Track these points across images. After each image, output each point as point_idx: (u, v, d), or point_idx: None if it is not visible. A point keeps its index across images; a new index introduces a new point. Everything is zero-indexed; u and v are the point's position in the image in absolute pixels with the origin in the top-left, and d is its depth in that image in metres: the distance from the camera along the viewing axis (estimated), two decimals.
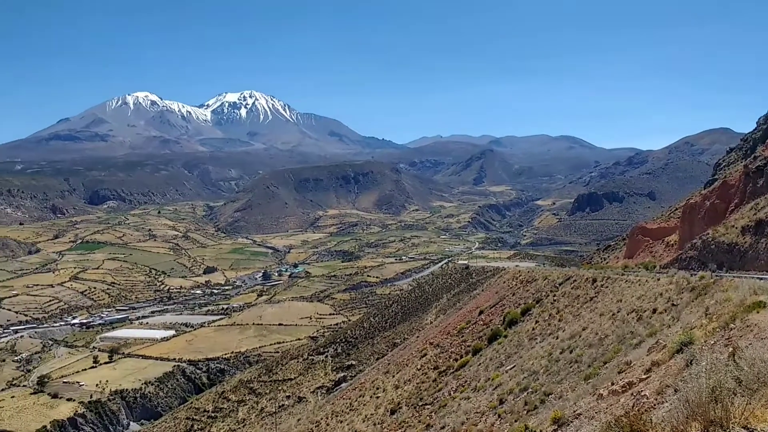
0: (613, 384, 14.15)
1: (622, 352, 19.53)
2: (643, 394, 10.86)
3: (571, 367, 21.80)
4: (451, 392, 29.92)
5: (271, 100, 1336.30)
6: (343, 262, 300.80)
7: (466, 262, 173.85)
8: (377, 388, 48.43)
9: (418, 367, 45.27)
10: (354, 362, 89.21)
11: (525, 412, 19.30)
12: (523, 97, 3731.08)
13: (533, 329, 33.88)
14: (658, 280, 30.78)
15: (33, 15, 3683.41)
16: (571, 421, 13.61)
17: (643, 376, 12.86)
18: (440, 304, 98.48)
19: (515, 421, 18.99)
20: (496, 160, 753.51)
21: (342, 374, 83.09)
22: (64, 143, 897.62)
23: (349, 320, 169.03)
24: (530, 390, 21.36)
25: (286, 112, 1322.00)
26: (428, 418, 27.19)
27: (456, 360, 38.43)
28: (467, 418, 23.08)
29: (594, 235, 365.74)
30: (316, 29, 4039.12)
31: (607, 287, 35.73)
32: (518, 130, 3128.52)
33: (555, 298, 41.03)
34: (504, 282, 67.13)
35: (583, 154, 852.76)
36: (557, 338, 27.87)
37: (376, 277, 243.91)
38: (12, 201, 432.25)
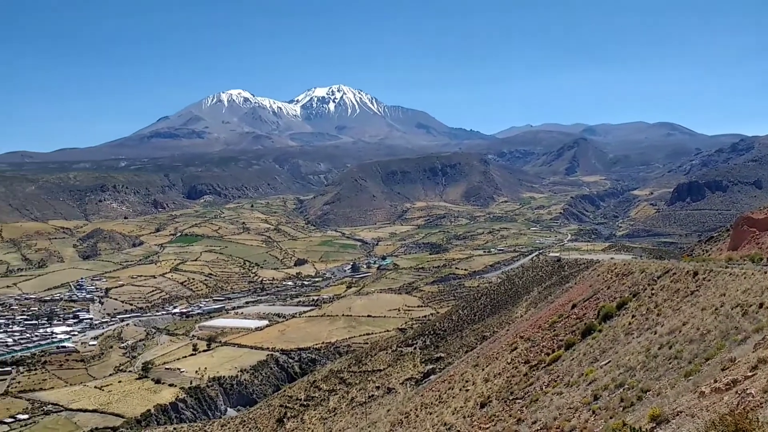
0: (715, 381, 13.50)
1: (725, 348, 18.58)
2: (748, 392, 10.31)
3: (670, 363, 20.95)
4: (543, 387, 29.37)
5: (359, 93, 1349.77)
6: (430, 254, 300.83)
7: (557, 254, 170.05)
8: (466, 381, 48.15)
9: (509, 360, 44.65)
10: (443, 354, 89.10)
11: (621, 408, 18.71)
12: (619, 83, 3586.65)
13: (629, 324, 32.75)
14: (766, 273, 29.10)
15: (135, 21, 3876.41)
16: (671, 419, 13.10)
17: (749, 374, 12.20)
18: (531, 297, 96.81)
19: (610, 417, 18.44)
20: (589, 149, 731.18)
21: (431, 366, 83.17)
22: (164, 140, 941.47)
23: (438, 312, 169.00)
24: (626, 386, 20.68)
25: (373, 105, 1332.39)
26: (519, 412, 26.81)
27: (547, 354, 37.65)
28: (560, 414, 22.61)
29: (695, 226, 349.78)
30: (402, 22, 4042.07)
31: (709, 281, 34.06)
32: (613, 118, 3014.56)
33: (653, 291, 39.47)
34: (598, 275, 65.18)
35: (683, 141, 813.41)
36: (655, 333, 26.82)
37: (465, 270, 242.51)
38: (117, 196, 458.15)
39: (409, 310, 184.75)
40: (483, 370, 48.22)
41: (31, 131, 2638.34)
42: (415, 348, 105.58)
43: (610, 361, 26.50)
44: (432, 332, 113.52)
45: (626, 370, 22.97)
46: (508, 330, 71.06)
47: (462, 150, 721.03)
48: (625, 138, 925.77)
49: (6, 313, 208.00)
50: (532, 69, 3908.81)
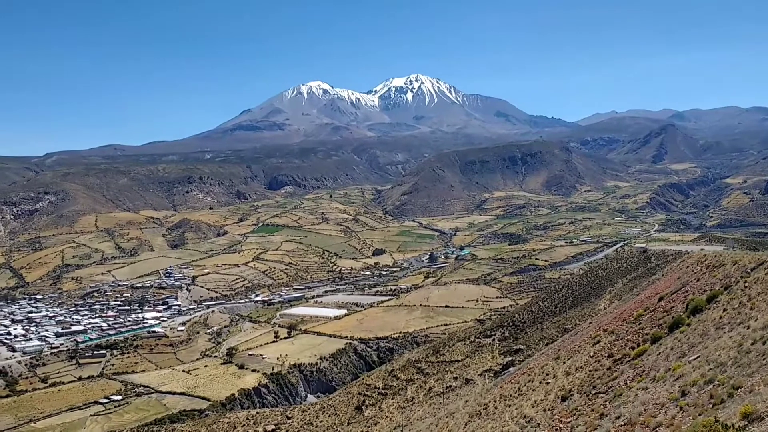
0: None
1: None
2: None
3: (764, 359, 19.78)
4: (627, 381, 28.38)
5: (437, 82, 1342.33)
6: (510, 244, 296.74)
7: (643, 245, 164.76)
8: (547, 374, 47.18)
9: (591, 354, 43.41)
10: (522, 346, 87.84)
11: (710, 405, 17.80)
12: (711, 66, 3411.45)
13: (720, 318, 31.16)
14: None
15: (220, 18, 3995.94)
16: (765, 417, 12.34)
17: None
18: (615, 289, 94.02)
19: (699, 414, 17.59)
20: (678, 136, 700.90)
21: (510, 358, 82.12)
22: (247, 133, 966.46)
23: (517, 304, 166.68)
24: (716, 382, 19.67)
25: (451, 94, 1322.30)
26: (602, 407, 26.00)
27: (632, 348, 36.35)
28: (645, 409, 21.77)
29: None
30: (481, 8, 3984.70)
31: None
32: (704, 103, 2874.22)
33: (746, 284, 37.40)
34: (687, 266, 62.49)
35: None
36: (748, 328, 25.40)
37: (545, 261, 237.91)
38: (203, 187, 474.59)
39: (487, 301, 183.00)
40: (564, 363, 47.10)
41: (124, 126, 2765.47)
42: (493, 339, 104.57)
43: (699, 356, 25.32)
44: (511, 324, 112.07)
45: (716, 366, 21.88)
46: (590, 323, 69.22)
47: (543, 138, 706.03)
48: (716, 124, 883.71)
49: (101, 299, 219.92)
50: (617, 53, 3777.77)
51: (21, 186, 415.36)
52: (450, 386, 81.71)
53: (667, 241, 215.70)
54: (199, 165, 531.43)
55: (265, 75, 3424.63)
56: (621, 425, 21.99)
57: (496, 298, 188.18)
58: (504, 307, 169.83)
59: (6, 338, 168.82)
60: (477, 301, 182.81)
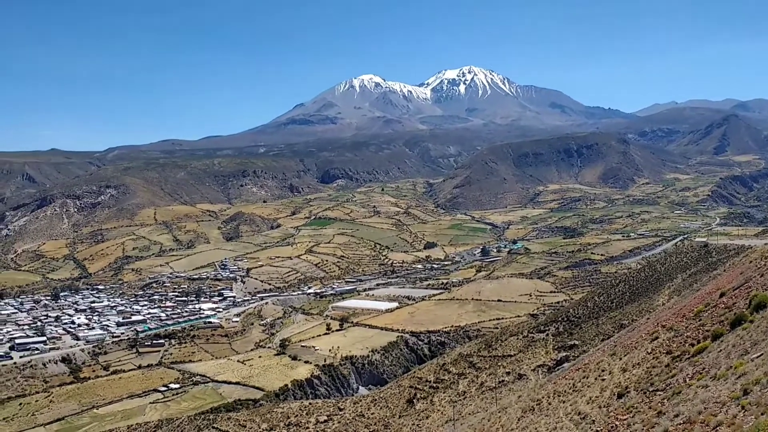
0: None
1: None
2: None
3: None
4: (686, 379, 27.44)
5: (490, 74, 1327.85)
6: (564, 238, 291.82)
7: (704, 239, 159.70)
8: (602, 371, 46.13)
9: (649, 350, 42.21)
10: (577, 342, 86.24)
11: None
12: None
13: None
14: None
15: (274, 14, 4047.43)
16: None
17: None
18: (674, 284, 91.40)
19: (762, 413, 16.82)
20: (741, 127, 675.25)
21: (564, 354, 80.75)
22: (299, 127, 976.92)
23: (571, 299, 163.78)
24: None
25: (505, 85, 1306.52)
26: (660, 404, 25.21)
27: (692, 345, 35.15)
28: (705, 408, 20.98)
29: None
30: None
31: None
32: None
33: None
34: (750, 261, 60.14)
35: None
36: None
37: (601, 255, 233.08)
38: (257, 181, 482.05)
39: (541, 296, 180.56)
40: (620, 359, 45.97)
41: (182, 121, 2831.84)
42: (547, 334, 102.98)
43: (762, 354, 24.27)
44: (565, 319, 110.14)
45: None
46: (648, 318, 67.44)
47: (599, 129, 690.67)
48: None
49: (160, 290, 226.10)
50: (677, 41, 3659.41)
51: (84, 180, 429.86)
52: (502, 381, 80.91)
53: (729, 235, 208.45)
54: (253, 159, 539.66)
55: (317, 69, 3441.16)
56: (680, 423, 21.30)
57: (550, 292, 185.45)
58: (558, 302, 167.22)
59: (70, 327, 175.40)
60: (530, 296, 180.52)
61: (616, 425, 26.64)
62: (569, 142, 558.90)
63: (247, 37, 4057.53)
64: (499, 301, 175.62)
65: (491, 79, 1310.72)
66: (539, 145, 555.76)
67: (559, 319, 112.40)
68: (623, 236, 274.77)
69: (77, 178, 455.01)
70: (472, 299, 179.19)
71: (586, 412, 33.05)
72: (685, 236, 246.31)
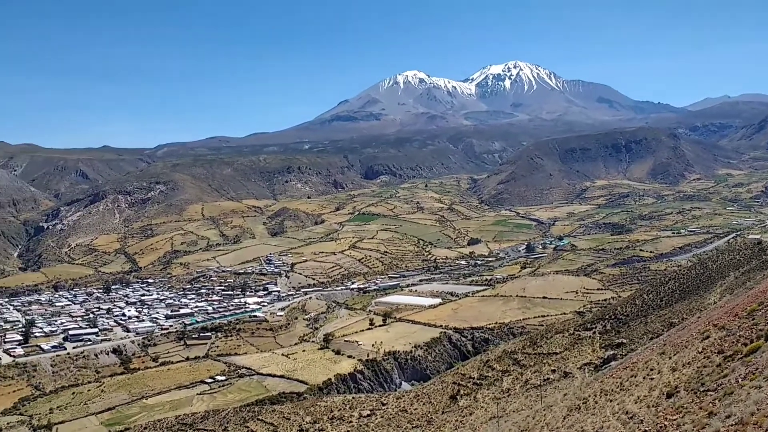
0: None
1: None
2: None
3: None
4: (739, 379, 26.54)
5: (536, 69, 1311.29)
6: (612, 235, 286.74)
7: (758, 236, 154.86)
8: (651, 370, 45.07)
9: (699, 350, 41.04)
10: (624, 340, 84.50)
11: None
12: None
13: None
14: None
15: (319, 10, 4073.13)
16: None
17: None
18: (726, 282, 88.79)
19: None
20: None
21: (611, 352, 79.21)
22: (344, 123, 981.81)
23: (619, 296, 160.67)
24: None
25: (551, 80, 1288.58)
26: (711, 405, 24.43)
27: (745, 345, 34.02)
28: (758, 409, 20.23)
29: None
30: None
31: None
32: None
33: None
34: None
35: None
36: None
37: (650, 252, 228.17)
38: (301, 177, 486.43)
39: (587, 293, 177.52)
40: (670, 358, 44.82)
41: (229, 118, 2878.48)
42: (594, 332, 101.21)
43: None
44: (613, 317, 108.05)
45: None
46: (699, 317, 65.64)
47: (648, 124, 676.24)
48: None
49: (207, 284, 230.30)
50: (729, 33, 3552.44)
51: (134, 176, 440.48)
52: (547, 379, 79.83)
53: None
54: (298, 155, 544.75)
55: (362, 66, 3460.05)
56: (731, 425, 20.62)
57: (597, 289, 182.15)
58: (605, 300, 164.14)
59: (121, 319, 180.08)
60: (576, 293, 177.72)
61: (665, 425, 25.97)
62: (617, 137, 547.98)
63: (292, 35, 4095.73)
64: (544, 298, 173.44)
65: (537, 73, 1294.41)
66: (586, 140, 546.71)
67: (607, 316, 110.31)
68: (673, 233, 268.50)
69: (128, 175, 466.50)
70: (517, 296, 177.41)
71: (634, 411, 32.33)
72: (738, 233, 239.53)
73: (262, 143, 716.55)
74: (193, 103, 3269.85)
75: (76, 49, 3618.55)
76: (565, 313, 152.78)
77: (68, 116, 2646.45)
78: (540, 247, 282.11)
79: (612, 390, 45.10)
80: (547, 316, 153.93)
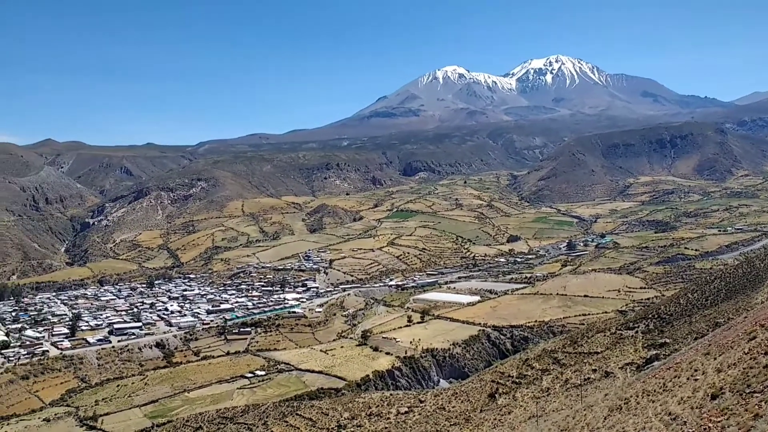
0: None
1: None
2: None
3: None
4: None
5: (578, 63, 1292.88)
6: (656, 232, 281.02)
7: None
8: (695, 370, 43.90)
9: (746, 350, 39.80)
10: (668, 340, 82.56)
11: None
12: None
13: None
14: None
15: (359, 7, 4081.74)
16: None
17: None
18: None
19: None
20: None
21: (654, 352, 77.41)
22: (382, 120, 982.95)
23: (663, 295, 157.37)
24: None
25: (594, 74, 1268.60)
26: (756, 407, 23.61)
27: None
28: None
29: None
30: None
31: None
32: None
33: None
34: None
35: None
36: None
37: (695, 250, 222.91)
38: (340, 173, 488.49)
39: (630, 292, 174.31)
40: (715, 359, 43.60)
41: (268, 115, 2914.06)
42: (636, 332, 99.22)
43: None
44: (656, 316, 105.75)
45: None
46: (745, 317, 63.70)
47: (694, 119, 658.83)
48: None
49: (247, 280, 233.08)
50: None
51: (177, 173, 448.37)
52: (588, 378, 78.51)
53: None
54: (337, 152, 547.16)
55: (401, 62, 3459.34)
56: None
57: (640, 288, 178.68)
58: (648, 299, 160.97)
59: (164, 314, 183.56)
60: (619, 291, 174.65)
61: (709, 427, 25.24)
62: (662, 132, 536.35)
63: (332, 32, 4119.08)
64: (585, 296, 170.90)
65: (579, 67, 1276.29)
66: (630, 135, 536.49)
67: (650, 316, 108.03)
68: (719, 231, 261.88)
69: (171, 172, 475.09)
70: (557, 294, 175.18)
71: (677, 412, 31.49)
72: None
73: (301, 140, 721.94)
74: (234, 100, 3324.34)
75: (120, 49, 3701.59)
76: (606, 312, 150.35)
77: (112, 115, 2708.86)
78: (581, 244, 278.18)
79: (654, 390, 44.07)
80: (589, 314, 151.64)
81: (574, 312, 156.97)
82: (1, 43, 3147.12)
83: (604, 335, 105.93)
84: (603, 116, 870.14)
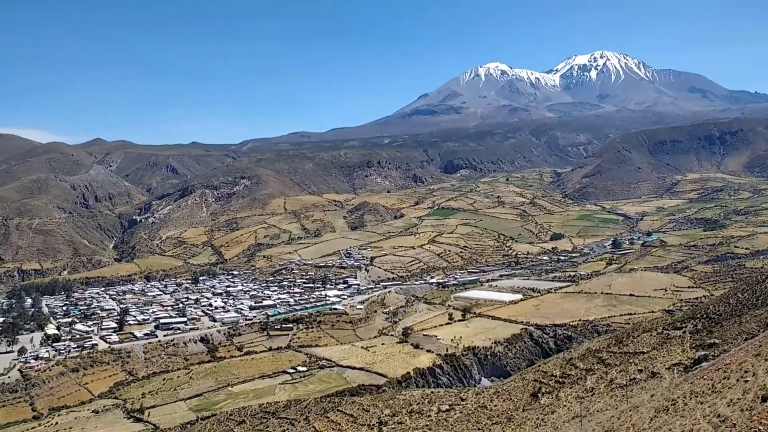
0: None
1: None
2: None
3: None
4: None
5: (624, 58, 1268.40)
6: (704, 230, 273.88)
7: None
8: (745, 372, 42.57)
9: None
10: (717, 341, 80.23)
11: None
12: None
13: None
14: None
15: (399, 4, 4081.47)
16: None
17: None
18: None
19: None
20: None
21: (702, 353, 75.34)
22: (423, 117, 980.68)
23: (712, 295, 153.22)
24: None
25: (640, 70, 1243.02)
26: None
27: None
28: None
29: None
30: None
31: None
32: None
33: None
34: None
35: None
36: None
37: (746, 249, 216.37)
38: (381, 171, 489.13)
39: (677, 291, 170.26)
40: (766, 360, 42.24)
41: (310, 114, 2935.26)
42: (684, 332, 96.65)
43: None
44: (705, 316, 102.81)
45: None
46: None
47: (745, 115, 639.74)
48: None
49: (288, 276, 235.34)
50: None
51: (221, 171, 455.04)
52: (634, 379, 76.87)
53: None
54: (378, 150, 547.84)
55: (442, 59, 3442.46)
56: None
57: (688, 287, 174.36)
58: (696, 298, 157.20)
59: (208, 309, 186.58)
60: (665, 291, 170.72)
61: (759, 430, 24.48)
62: (711, 128, 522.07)
63: (373, 30, 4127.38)
64: (631, 295, 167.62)
65: (625, 63, 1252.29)
66: (677, 132, 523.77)
67: (698, 315, 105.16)
68: None
69: (215, 170, 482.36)
70: (602, 293, 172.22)
71: (726, 414, 30.61)
72: None
73: (343, 138, 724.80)
74: (276, 99, 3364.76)
75: (165, 50, 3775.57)
76: (653, 312, 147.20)
77: (159, 115, 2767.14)
78: (627, 242, 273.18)
79: (703, 392, 42.93)
80: (634, 314, 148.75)
81: (620, 311, 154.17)
82: (52, 44, 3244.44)
83: (651, 335, 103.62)
84: (649, 112, 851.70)
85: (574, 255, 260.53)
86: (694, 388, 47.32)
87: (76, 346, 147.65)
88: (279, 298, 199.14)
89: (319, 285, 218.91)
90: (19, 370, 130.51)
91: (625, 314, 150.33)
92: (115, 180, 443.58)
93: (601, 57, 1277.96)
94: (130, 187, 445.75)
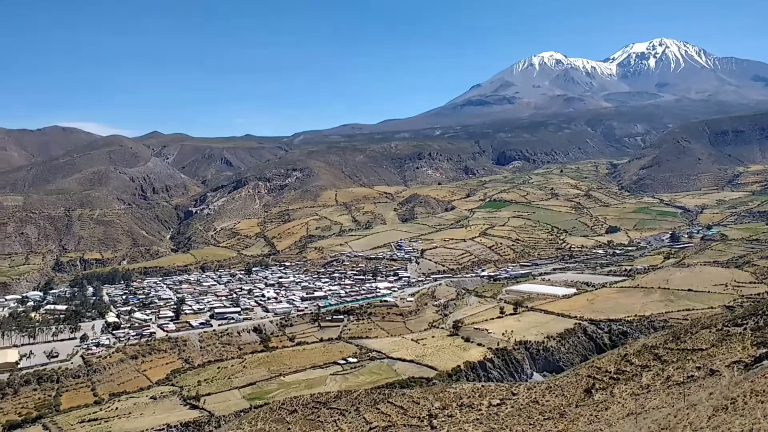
0: None
1: None
2: None
3: None
4: None
5: (684, 46, 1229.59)
6: (767, 224, 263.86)
7: None
8: None
9: None
10: None
11: None
12: None
13: None
14: None
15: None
16: None
17: None
18: None
19: None
20: None
21: (764, 350, 72.53)
22: (476, 108, 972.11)
23: None
24: None
25: (701, 58, 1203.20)
26: None
27: None
28: None
29: None
30: None
31: None
32: None
33: None
34: None
35: None
36: None
37: None
38: (432, 163, 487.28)
39: (738, 287, 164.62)
40: None
41: (362, 106, 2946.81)
42: (745, 328, 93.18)
43: None
44: (767, 312, 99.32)
45: None
46: None
47: None
48: None
49: (339, 268, 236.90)
50: None
51: (273, 163, 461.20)
52: (691, 376, 74.58)
53: None
54: (429, 141, 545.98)
55: (495, 49, 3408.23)
56: None
57: (749, 283, 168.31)
58: (759, 294, 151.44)
59: (261, 300, 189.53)
60: (726, 286, 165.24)
61: None
62: None
63: (425, 21, 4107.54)
64: (689, 290, 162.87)
65: (685, 51, 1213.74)
66: (740, 121, 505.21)
67: (760, 312, 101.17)
68: None
69: (267, 162, 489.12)
70: (659, 288, 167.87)
71: None
72: None
73: (394, 130, 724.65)
74: (328, 92, 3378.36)
75: (219, 45, 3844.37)
76: (712, 307, 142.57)
77: (213, 108, 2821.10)
78: (686, 236, 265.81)
79: (763, 391, 41.42)
80: (693, 309, 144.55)
81: (677, 307, 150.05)
82: (114, 41, 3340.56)
83: (710, 331, 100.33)
84: (711, 101, 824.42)
85: (630, 249, 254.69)
86: (755, 386, 45.60)
87: (135, 333, 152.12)
88: (330, 290, 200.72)
89: (369, 277, 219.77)
90: (81, 356, 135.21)
91: (683, 310, 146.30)
92: (171, 172, 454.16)
93: (660, 45, 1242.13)
94: (186, 179, 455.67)
